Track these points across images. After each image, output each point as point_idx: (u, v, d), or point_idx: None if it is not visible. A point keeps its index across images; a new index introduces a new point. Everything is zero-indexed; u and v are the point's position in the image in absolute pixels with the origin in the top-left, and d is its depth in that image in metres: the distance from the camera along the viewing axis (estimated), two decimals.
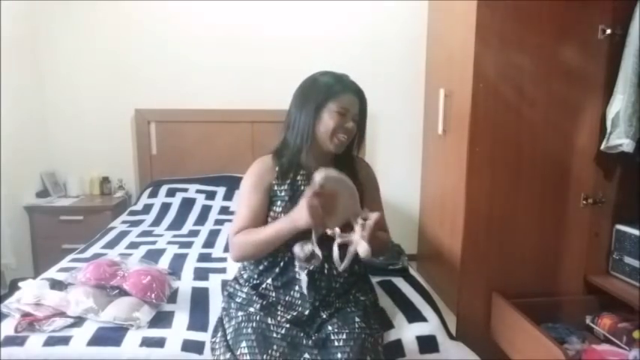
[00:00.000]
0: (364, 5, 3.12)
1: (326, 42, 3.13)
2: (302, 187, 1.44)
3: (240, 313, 1.36)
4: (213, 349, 1.37)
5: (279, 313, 1.38)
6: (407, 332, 1.51)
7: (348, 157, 1.54)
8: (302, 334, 1.33)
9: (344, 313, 1.39)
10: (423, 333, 1.52)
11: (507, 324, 2.09)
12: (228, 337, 1.33)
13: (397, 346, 1.46)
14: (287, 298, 1.41)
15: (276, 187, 1.45)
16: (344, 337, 1.30)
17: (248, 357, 1.23)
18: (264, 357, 1.22)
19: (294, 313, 1.38)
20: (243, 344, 1.26)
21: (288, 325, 1.34)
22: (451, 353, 1.51)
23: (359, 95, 1.47)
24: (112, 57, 3.10)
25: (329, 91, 1.41)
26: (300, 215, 1.27)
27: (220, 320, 1.45)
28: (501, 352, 2.11)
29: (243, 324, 1.32)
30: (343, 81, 1.45)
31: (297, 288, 1.41)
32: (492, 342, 2.18)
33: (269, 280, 1.43)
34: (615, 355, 1.92)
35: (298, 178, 1.46)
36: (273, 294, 1.42)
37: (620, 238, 2.18)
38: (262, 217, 1.44)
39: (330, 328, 1.33)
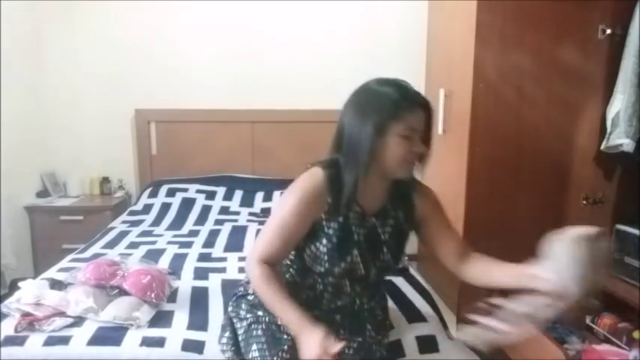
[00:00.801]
0: (364, 5, 3.12)
1: (326, 42, 3.14)
2: (353, 228, 1.26)
3: (249, 315, 1.32)
4: (223, 351, 1.34)
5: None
6: (407, 332, 1.50)
7: (406, 185, 1.32)
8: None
9: (357, 319, 1.35)
10: (423, 333, 1.51)
11: None
12: (240, 339, 1.31)
13: (397, 346, 1.46)
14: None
15: (324, 223, 1.24)
16: (355, 345, 1.28)
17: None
18: (275, 359, 1.19)
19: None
20: (254, 347, 1.23)
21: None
22: (451, 353, 1.50)
23: (428, 109, 1.23)
24: (112, 57, 3.11)
25: (394, 109, 1.16)
26: (307, 349, 1.09)
27: (229, 319, 1.40)
28: (501, 352, 2.10)
29: (252, 326, 1.29)
30: (409, 94, 1.20)
31: (316, 312, 1.28)
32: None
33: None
34: (615, 355, 1.92)
35: (351, 215, 1.26)
36: None
37: (620, 238, 2.18)
38: (294, 245, 1.26)
39: (342, 332, 1.29)
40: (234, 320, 1.37)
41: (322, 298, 1.31)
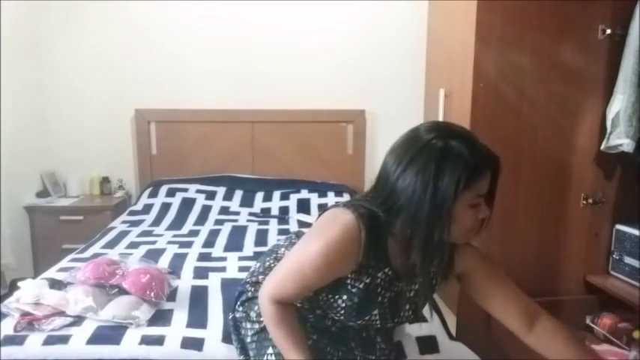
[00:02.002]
0: (364, 5, 3.12)
1: (326, 42, 3.14)
2: (378, 290, 1.12)
3: (262, 318, 1.23)
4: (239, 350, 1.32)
5: (307, 326, 1.25)
6: (407, 333, 1.50)
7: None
8: (328, 349, 1.25)
9: (368, 335, 1.30)
10: (423, 333, 1.51)
11: None
12: (249, 340, 1.27)
13: (398, 347, 1.46)
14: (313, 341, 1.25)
15: (349, 280, 1.10)
16: None
17: None
18: None
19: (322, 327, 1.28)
20: (270, 350, 1.20)
21: (315, 337, 1.23)
22: (451, 353, 1.50)
23: (496, 166, 1.07)
24: (112, 57, 3.11)
25: (467, 177, 0.97)
26: None
27: (234, 322, 1.37)
28: (501, 352, 2.10)
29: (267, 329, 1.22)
30: (482, 155, 1.02)
31: (328, 349, 1.25)
32: (492, 342, 2.17)
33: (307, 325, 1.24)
34: (615, 355, 1.92)
35: (379, 275, 1.11)
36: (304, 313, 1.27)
37: (620, 238, 2.18)
38: (310, 292, 1.16)
39: (354, 346, 1.26)
40: (243, 322, 1.33)
41: (330, 327, 1.25)
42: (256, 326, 1.27)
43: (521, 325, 1.13)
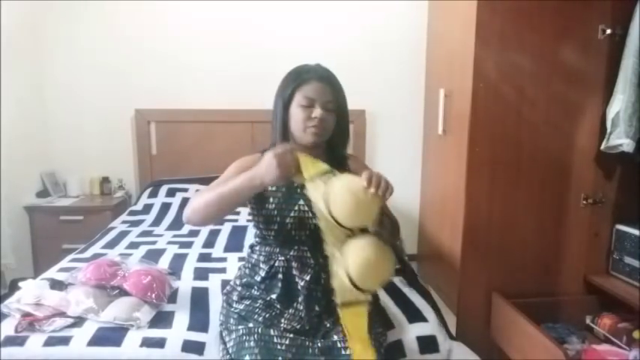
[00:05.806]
0: (364, 5, 3.12)
1: (326, 42, 3.13)
2: (294, 183, 1.33)
3: (240, 327, 1.32)
4: None
5: (282, 324, 1.32)
6: (407, 332, 1.51)
7: (340, 156, 1.49)
8: (307, 343, 1.29)
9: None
10: (424, 333, 1.52)
11: (507, 324, 2.09)
12: (231, 352, 1.30)
13: (398, 346, 1.46)
14: (290, 310, 1.35)
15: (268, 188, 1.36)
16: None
17: None
18: None
19: (297, 325, 1.33)
20: (247, 358, 1.23)
21: (291, 335, 1.29)
22: (451, 353, 1.51)
23: (329, 82, 1.38)
24: (112, 57, 3.11)
25: (294, 82, 1.37)
26: (264, 170, 1.17)
27: (220, 334, 1.41)
28: (501, 352, 2.11)
29: (244, 337, 1.28)
30: (309, 70, 1.39)
31: (300, 299, 1.35)
32: (492, 342, 2.18)
33: (273, 296, 1.37)
34: (615, 355, 1.92)
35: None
36: (278, 305, 1.36)
37: (620, 238, 2.18)
38: None
39: (335, 337, 1.30)
40: (224, 333, 1.38)
41: (292, 277, 1.35)
42: (234, 335, 1.32)
43: None
